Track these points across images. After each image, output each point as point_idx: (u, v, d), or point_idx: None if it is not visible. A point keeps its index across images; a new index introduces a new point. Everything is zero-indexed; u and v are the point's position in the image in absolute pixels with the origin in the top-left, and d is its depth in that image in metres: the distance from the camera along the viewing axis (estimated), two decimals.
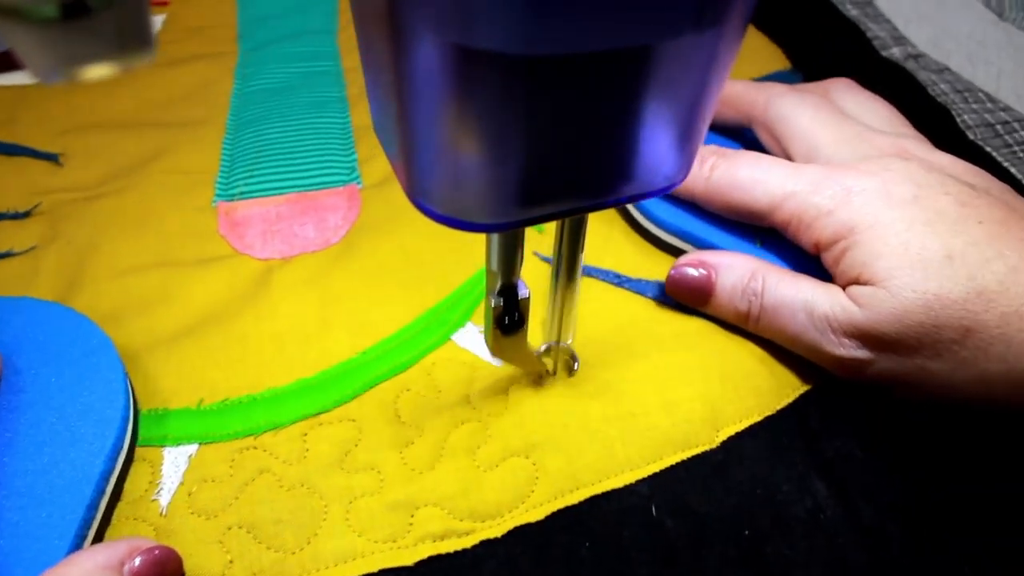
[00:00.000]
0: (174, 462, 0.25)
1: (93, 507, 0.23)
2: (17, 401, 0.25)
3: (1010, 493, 0.25)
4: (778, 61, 0.44)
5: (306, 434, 0.26)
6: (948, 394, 0.25)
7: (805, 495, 0.25)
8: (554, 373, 0.27)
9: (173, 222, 0.33)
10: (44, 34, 0.11)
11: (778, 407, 0.27)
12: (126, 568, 0.21)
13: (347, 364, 0.28)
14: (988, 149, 0.35)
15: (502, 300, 0.21)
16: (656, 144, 0.16)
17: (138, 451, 0.26)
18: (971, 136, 0.36)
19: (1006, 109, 0.38)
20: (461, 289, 0.30)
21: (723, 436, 0.26)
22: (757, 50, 0.45)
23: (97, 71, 0.12)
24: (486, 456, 0.25)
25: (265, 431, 0.26)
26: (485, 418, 0.26)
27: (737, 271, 0.28)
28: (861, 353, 0.25)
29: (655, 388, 0.27)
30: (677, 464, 0.25)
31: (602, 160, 0.16)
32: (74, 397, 0.25)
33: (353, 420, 0.26)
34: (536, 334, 0.27)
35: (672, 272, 0.29)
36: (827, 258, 0.27)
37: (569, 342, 0.26)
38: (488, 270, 0.21)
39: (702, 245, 0.30)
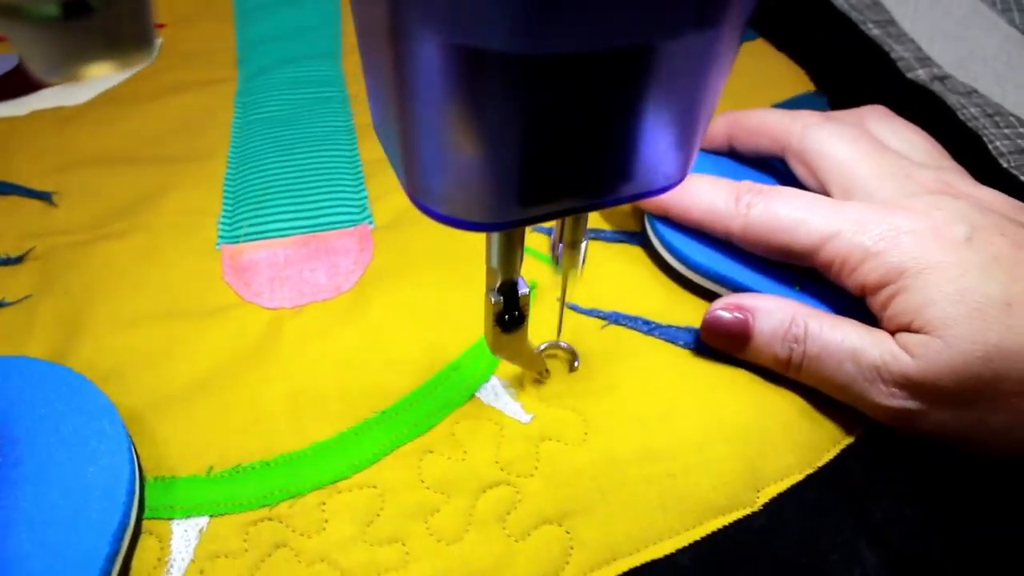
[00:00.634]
0: (184, 536, 0.24)
1: None
2: (15, 475, 0.23)
3: None
4: (801, 83, 0.42)
5: (324, 503, 0.24)
6: (1011, 448, 0.24)
7: (854, 565, 0.23)
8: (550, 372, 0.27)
9: (175, 268, 0.31)
10: (45, 33, 0.12)
11: (819, 463, 0.26)
12: None
13: (365, 424, 0.26)
14: (1023, 177, 0.34)
15: (502, 297, 0.21)
16: (656, 144, 0.16)
17: (145, 524, 0.24)
18: (1004, 164, 0.35)
19: None
20: (482, 341, 0.28)
21: (764, 498, 0.25)
22: (780, 71, 0.43)
23: (97, 70, 0.12)
24: (517, 524, 0.24)
25: (280, 500, 0.24)
26: (515, 481, 0.25)
27: (777, 315, 0.26)
28: (913, 404, 0.24)
29: (693, 446, 0.26)
30: (718, 531, 0.24)
31: (602, 159, 0.16)
32: (76, 470, 0.23)
33: (374, 487, 0.25)
34: (536, 334, 0.26)
35: (707, 317, 0.27)
36: (874, 302, 0.25)
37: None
38: (488, 267, 0.21)
39: (736, 288, 0.29)
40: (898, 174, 0.27)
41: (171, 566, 0.23)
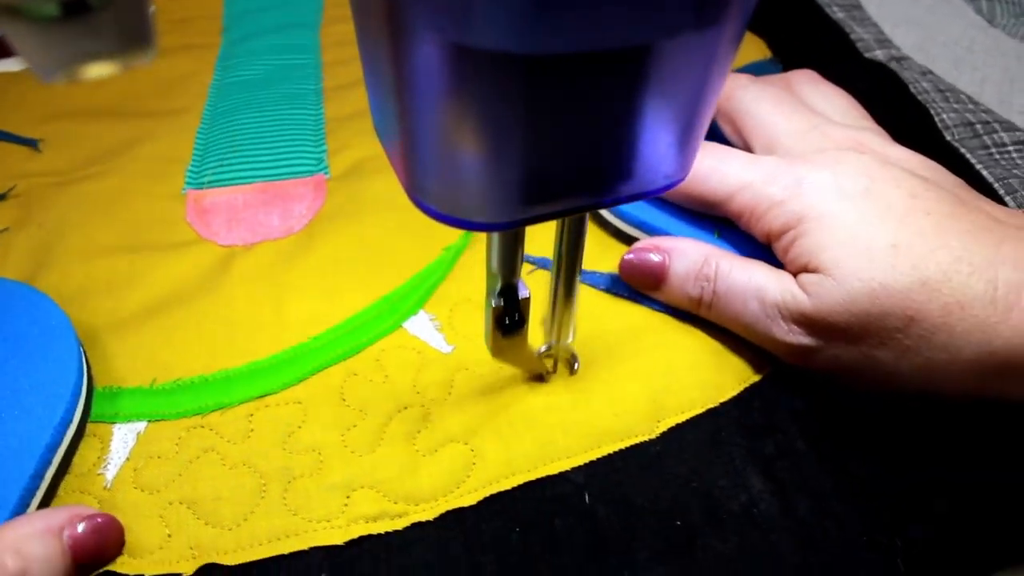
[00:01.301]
0: (123, 438, 0.26)
1: (37, 477, 0.24)
2: None
3: (950, 486, 0.25)
4: (758, 51, 0.43)
5: (252, 415, 0.26)
6: (894, 383, 0.25)
7: (740, 490, 0.25)
8: (554, 371, 0.27)
9: (143, 208, 0.33)
10: (45, 32, 0.12)
11: (721, 400, 0.27)
12: (66, 534, 0.22)
13: (297, 349, 0.28)
14: (963, 151, 0.35)
15: (502, 300, 0.21)
16: (656, 143, 0.16)
17: (89, 427, 0.26)
18: (948, 136, 0.36)
19: (987, 111, 0.38)
20: (416, 278, 0.30)
21: (663, 427, 0.26)
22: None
23: (97, 69, 0.13)
24: (425, 441, 0.26)
25: (213, 411, 0.26)
26: (428, 404, 0.27)
27: (690, 256, 0.28)
28: (809, 340, 0.25)
29: (599, 380, 0.27)
30: (614, 454, 0.25)
31: (602, 159, 0.16)
32: (28, 372, 0.26)
33: (299, 402, 0.27)
34: (536, 334, 0.27)
35: (626, 256, 0.29)
36: (778, 248, 0.27)
37: (570, 340, 0.26)
38: (488, 271, 0.21)
39: (661, 235, 0.30)
40: (812, 131, 0.28)
41: (108, 463, 0.25)
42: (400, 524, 0.24)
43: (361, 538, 0.23)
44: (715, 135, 0.33)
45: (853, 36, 0.42)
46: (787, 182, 0.26)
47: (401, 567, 0.23)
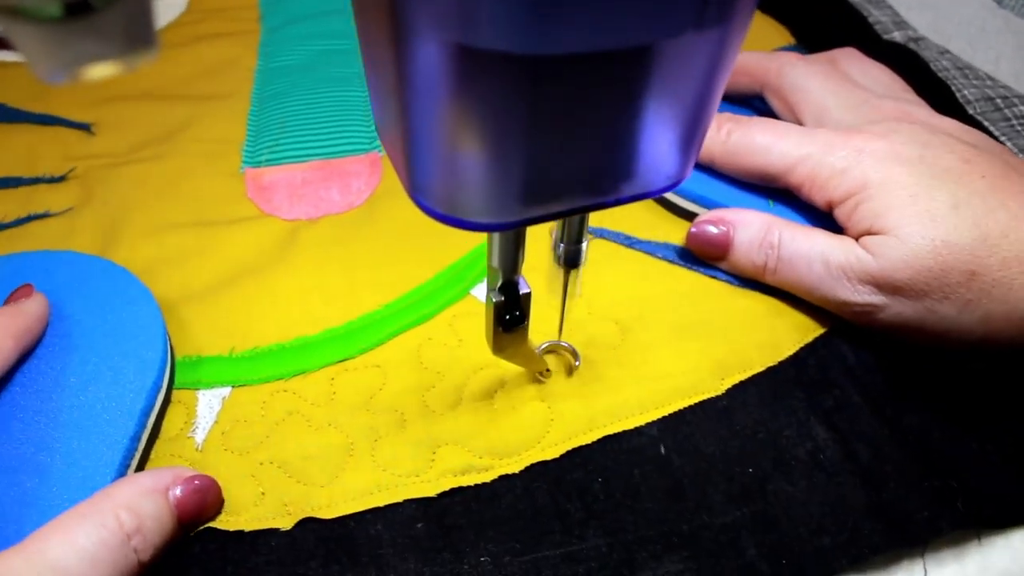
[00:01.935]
0: (208, 404, 0.27)
1: (135, 439, 0.24)
2: (65, 344, 0.26)
3: (1000, 436, 0.26)
4: (782, 38, 0.45)
5: (333, 379, 0.27)
6: (955, 336, 0.26)
7: (805, 438, 0.26)
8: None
9: (203, 186, 0.34)
10: (47, 33, 0.11)
11: (779, 359, 0.28)
12: (171, 494, 0.22)
13: (372, 316, 0.29)
14: (986, 123, 0.37)
15: (503, 296, 0.21)
16: (658, 143, 0.16)
17: (174, 394, 0.27)
18: (970, 110, 0.38)
19: (1005, 87, 0.39)
20: (479, 248, 0.31)
21: (727, 384, 0.27)
22: (763, 27, 0.46)
23: (100, 70, 0.12)
24: (503, 400, 0.27)
25: (294, 375, 0.27)
26: (503, 365, 0.28)
27: (754, 226, 0.29)
28: (875, 299, 0.27)
29: (664, 343, 0.28)
30: (684, 409, 0.27)
31: (604, 159, 0.16)
32: (117, 342, 0.26)
33: (378, 366, 0.28)
34: (536, 332, 0.27)
35: (692, 230, 0.30)
36: (839, 214, 0.28)
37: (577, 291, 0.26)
38: (489, 267, 0.21)
39: (716, 208, 0.32)
40: (863, 105, 0.30)
41: (196, 427, 0.26)
42: (487, 477, 0.25)
43: (452, 490, 0.25)
44: (764, 111, 0.34)
45: (871, 19, 0.44)
46: (846, 152, 0.28)
47: (493, 516, 0.24)
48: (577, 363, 0.28)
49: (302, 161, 0.35)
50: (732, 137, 0.31)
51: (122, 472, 0.24)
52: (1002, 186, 0.26)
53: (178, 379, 0.27)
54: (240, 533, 0.23)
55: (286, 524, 0.24)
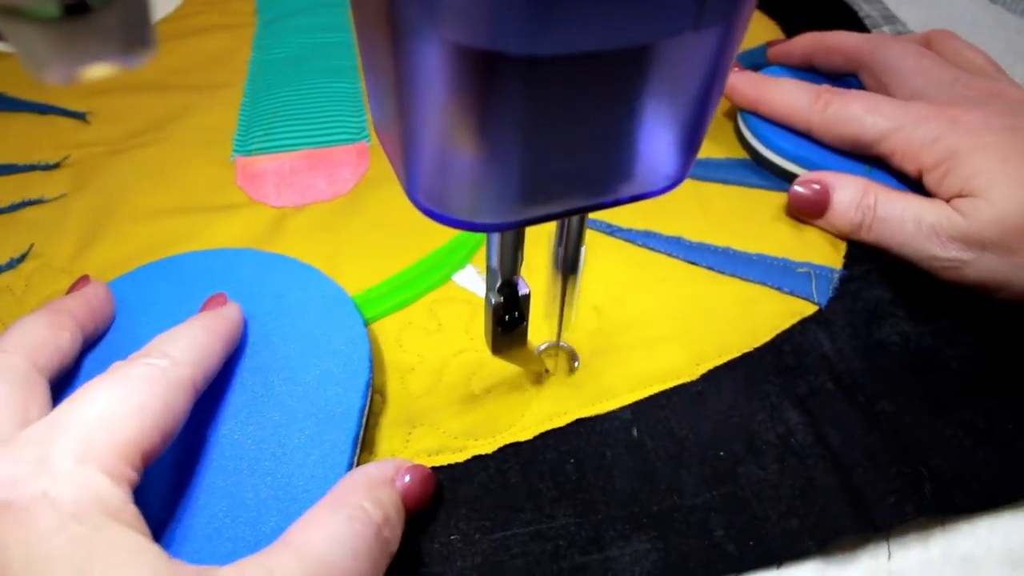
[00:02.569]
0: None
1: (356, 439, 0.24)
2: (266, 345, 0.26)
3: (973, 422, 0.26)
4: (771, 32, 0.45)
5: None
6: None
7: (778, 423, 0.26)
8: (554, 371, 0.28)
9: (194, 174, 0.35)
10: (45, 33, 0.11)
11: (755, 345, 0.29)
12: (399, 484, 0.22)
13: (354, 299, 0.29)
14: None
15: (502, 297, 0.21)
16: (657, 144, 0.16)
17: None
18: None
19: None
20: (461, 236, 0.32)
21: (703, 369, 0.28)
22: (752, 22, 0.46)
23: (98, 70, 0.12)
24: (480, 383, 0.27)
25: None
26: (481, 349, 0.28)
27: (852, 188, 0.31)
28: (963, 255, 0.28)
29: (641, 328, 0.29)
30: (658, 394, 0.27)
31: (603, 160, 0.16)
32: (318, 341, 0.26)
33: None
34: (536, 333, 0.27)
35: (792, 189, 0.33)
36: (930, 181, 0.30)
37: (573, 319, 0.26)
38: (488, 267, 0.21)
39: (817, 169, 0.34)
40: (954, 83, 0.32)
41: None
42: (461, 457, 0.25)
43: None
44: (852, 87, 0.35)
45: (861, 13, 0.44)
46: (938, 123, 0.30)
47: (465, 495, 0.24)
48: (576, 364, 0.28)
49: (292, 150, 0.36)
50: (830, 108, 0.33)
51: (349, 469, 0.23)
52: None
53: None
54: None
55: None
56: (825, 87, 0.34)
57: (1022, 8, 0.44)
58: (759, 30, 0.46)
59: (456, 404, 0.27)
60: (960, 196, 0.29)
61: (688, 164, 0.18)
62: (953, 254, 0.29)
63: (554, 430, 0.26)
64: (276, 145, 0.36)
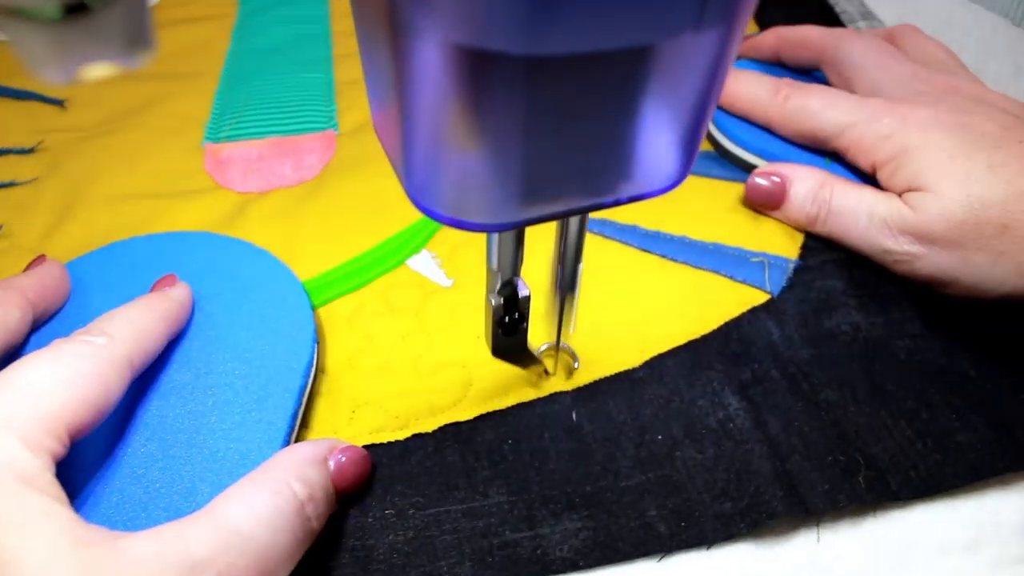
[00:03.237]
0: None
1: (294, 417, 0.25)
2: (212, 324, 0.26)
3: (916, 411, 0.27)
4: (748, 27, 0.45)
5: None
6: (988, 286, 0.28)
7: (718, 408, 0.27)
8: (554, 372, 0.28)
9: (163, 159, 0.36)
10: (45, 34, 0.12)
11: (702, 333, 0.29)
12: (332, 463, 0.23)
13: (307, 283, 0.30)
14: None
15: (502, 299, 0.22)
16: (657, 144, 0.16)
17: None
18: None
19: None
20: (419, 222, 0.32)
21: (647, 356, 0.28)
22: None
23: (98, 70, 0.13)
24: (427, 364, 0.28)
25: None
26: (430, 332, 0.29)
27: (809, 180, 0.32)
28: (914, 248, 0.29)
29: (589, 313, 0.29)
30: (600, 379, 0.27)
31: (603, 160, 0.16)
32: (264, 321, 0.27)
33: None
34: (536, 334, 0.27)
35: (750, 181, 0.33)
36: (882, 175, 0.30)
37: (571, 332, 0.26)
38: (488, 269, 0.21)
39: (776, 161, 0.34)
40: (913, 79, 0.32)
41: None
42: (401, 435, 0.26)
43: (366, 447, 0.25)
44: (825, 83, 0.36)
45: (838, 8, 0.44)
46: (892, 119, 0.30)
47: (403, 471, 0.25)
48: (576, 365, 0.28)
49: (261, 138, 0.36)
50: (789, 101, 0.33)
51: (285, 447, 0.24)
52: None
53: None
54: None
55: None
56: (786, 81, 0.34)
57: (1000, 6, 0.44)
58: None
59: (401, 385, 0.27)
60: (910, 190, 0.29)
61: (688, 164, 0.18)
62: (904, 247, 0.29)
63: (495, 412, 0.26)
64: (246, 132, 0.37)
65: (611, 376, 0.28)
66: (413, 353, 0.28)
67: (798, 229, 0.33)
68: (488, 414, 0.26)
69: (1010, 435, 0.26)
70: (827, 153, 0.34)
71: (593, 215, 0.33)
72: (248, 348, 0.26)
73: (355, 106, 0.39)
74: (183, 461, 0.23)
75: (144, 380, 0.25)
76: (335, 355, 0.28)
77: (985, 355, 0.29)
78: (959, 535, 0.24)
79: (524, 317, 0.23)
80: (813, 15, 0.45)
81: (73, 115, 0.38)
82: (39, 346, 0.25)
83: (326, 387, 0.27)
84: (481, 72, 0.13)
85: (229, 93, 0.39)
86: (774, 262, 0.31)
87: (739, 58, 0.40)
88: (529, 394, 0.27)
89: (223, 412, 0.24)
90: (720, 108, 0.36)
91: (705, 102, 0.16)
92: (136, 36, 0.13)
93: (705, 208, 0.34)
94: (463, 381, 0.27)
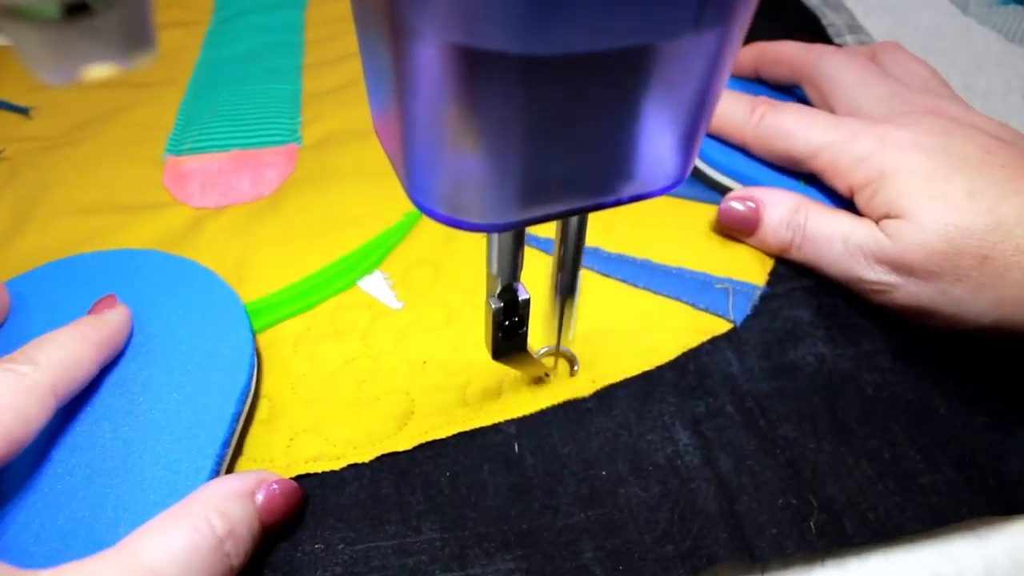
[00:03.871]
0: None
1: (226, 444, 0.24)
2: (150, 346, 0.26)
3: (878, 451, 0.25)
4: None
5: None
6: (968, 319, 0.26)
7: (667, 443, 0.26)
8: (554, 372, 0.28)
9: (123, 171, 0.35)
10: (46, 34, 0.12)
11: (657, 363, 0.28)
12: (257, 497, 0.22)
13: (255, 304, 0.29)
14: None
15: (502, 303, 0.21)
16: (657, 144, 0.16)
17: None
18: None
19: None
20: (373, 241, 0.32)
21: (597, 386, 0.27)
22: None
23: (98, 71, 0.12)
24: (370, 389, 0.27)
25: None
26: (375, 355, 0.28)
27: (783, 205, 0.30)
28: (890, 278, 0.27)
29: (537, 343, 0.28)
30: (547, 409, 0.26)
31: (603, 160, 0.16)
32: (203, 344, 0.26)
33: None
34: (536, 336, 0.27)
35: (723, 206, 0.31)
36: (859, 199, 0.29)
37: (571, 338, 0.26)
38: (488, 273, 0.21)
39: (751, 184, 0.33)
40: (894, 98, 0.31)
41: None
42: (337, 465, 0.25)
43: (301, 476, 0.25)
44: (805, 101, 0.35)
45: (825, 21, 0.43)
46: (869, 141, 0.29)
47: (336, 503, 0.24)
48: (576, 368, 0.27)
49: (222, 150, 0.36)
50: (764, 121, 0.32)
51: (214, 476, 0.23)
52: (1021, 176, 0.26)
53: None
54: None
55: None
56: (762, 99, 0.33)
57: (993, 21, 0.42)
58: None
59: (342, 411, 0.26)
60: (887, 217, 0.28)
61: (688, 164, 0.18)
62: (881, 277, 0.28)
63: (435, 441, 0.26)
64: (208, 145, 0.36)
65: (557, 405, 0.27)
66: (356, 378, 0.27)
67: (772, 255, 0.31)
68: (428, 444, 0.25)
69: (979, 477, 0.25)
70: (803, 175, 0.33)
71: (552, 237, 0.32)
72: (184, 372, 0.25)
73: (320, 118, 0.38)
74: (108, 491, 0.23)
75: (75, 405, 0.24)
76: (278, 380, 0.27)
77: (958, 390, 0.27)
78: None
79: (524, 321, 0.22)
80: (799, 27, 0.43)
81: (38, 124, 0.38)
82: None
83: (266, 413, 0.26)
84: (480, 72, 0.13)
85: (195, 103, 0.39)
86: (740, 289, 0.30)
87: None
88: (472, 423, 0.26)
89: (153, 439, 0.24)
90: None
91: (705, 102, 0.16)
92: (137, 36, 0.13)
93: (673, 229, 0.33)
94: (405, 409, 0.26)
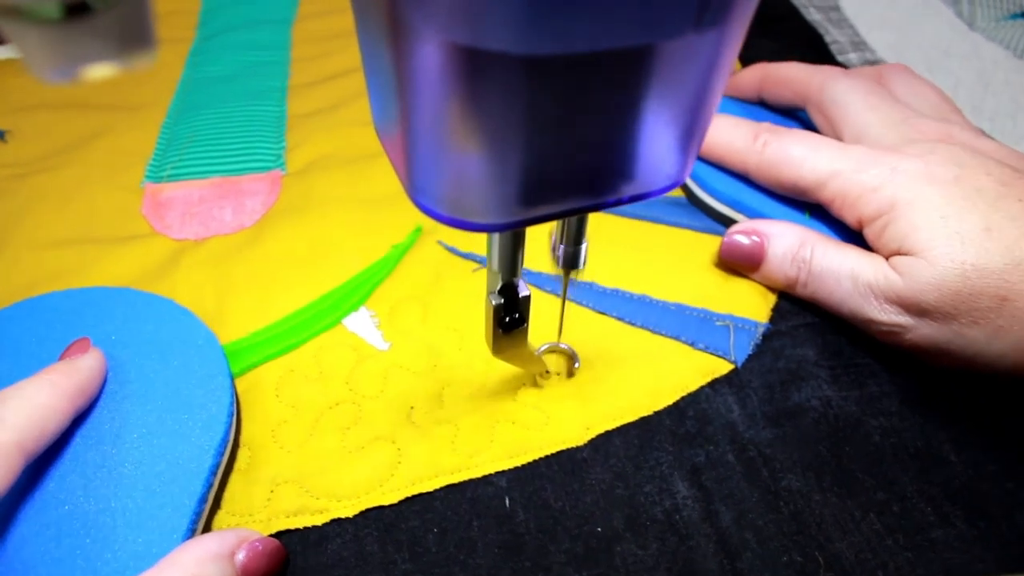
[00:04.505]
0: None
1: (203, 500, 0.23)
2: (126, 393, 0.25)
3: (886, 504, 0.24)
4: None
5: None
6: (985, 363, 0.25)
7: (665, 496, 0.24)
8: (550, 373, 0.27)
9: (100, 200, 0.34)
10: (46, 34, 0.12)
11: (655, 408, 0.27)
12: (237, 558, 0.21)
13: (235, 344, 0.28)
14: None
15: (503, 299, 0.21)
16: (657, 144, 0.16)
17: None
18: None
19: None
20: (360, 275, 0.30)
21: (592, 434, 0.26)
22: None
23: (99, 71, 0.12)
24: (355, 438, 0.26)
25: None
26: (360, 401, 0.27)
27: (787, 239, 0.29)
28: (901, 319, 0.26)
29: (533, 389, 0.27)
30: (540, 460, 0.25)
31: (603, 160, 0.16)
32: (180, 391, 0.25)
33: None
34: (536, 335, 0.27)
35: (725, 240, 0.30)
36: (869, 233, 0.28)
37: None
38: (489, 269, 0.21)
39: (753, 215, 0.31)
40: (902, 124, 0.29)
41: None
42: (320, 520, 0.24)
43: (280, 533, 0.24)
44: (809, 124, 0.33)
45: (828, 38, 0.42)
46: (879, 170, 0.27)
47: (317, 562, 0.23)
48: (576, 365, 0.27)
49: (203, 177, 0.34)
50: (768, 149, 0.30)
51: (190, 534, 0.22)
52: None
53: None
54: None
55: None
56: (765, 126, 0.31)
57: (1001, 36, 0.41)
58: None
59: (325, 461, 0.25)
60: (899, 254, 0.26)
61: (688, 164, 0.17)
62: (892, 318, 0.26)
63: (422, 494, 0.24)
64: (188, 172, 0.35)
65: (551, 456, 0.25)
66: (340, 425, 0.26)
67: (776, 292, 0.30)
68: (415, 497, 0.24)
69: (993, 531, 0.24)
70: (808, 206, 0.31)
71: (549, 271, 0.31)
72: (160, 422, 0.24)
73: (306, 142, 0.37)
74: (79, 553, 0.21)
75: (43, 458, 0.23)
76: (258, 426, 0.26)
77: (969, 435, 0.26)
78: None
79: (524, 317, 0.22)
80: (802, 45, 0.42)
81: (13, 149, 0.37)
82: None
83: (245, 463, 0.25)
84: (481, 72, 0.13)
85: (176, 127, 0.37)
86: (741, 326, 0.29)
87: None
88: (461, 474, 0.25)
89: (126, 496, 0.23)
90: None
91: (706, 102, 0.16)
92: (137, 36, 0.13)
93: (672, 262, 0.32)
94: (391, 459, 0.25)
